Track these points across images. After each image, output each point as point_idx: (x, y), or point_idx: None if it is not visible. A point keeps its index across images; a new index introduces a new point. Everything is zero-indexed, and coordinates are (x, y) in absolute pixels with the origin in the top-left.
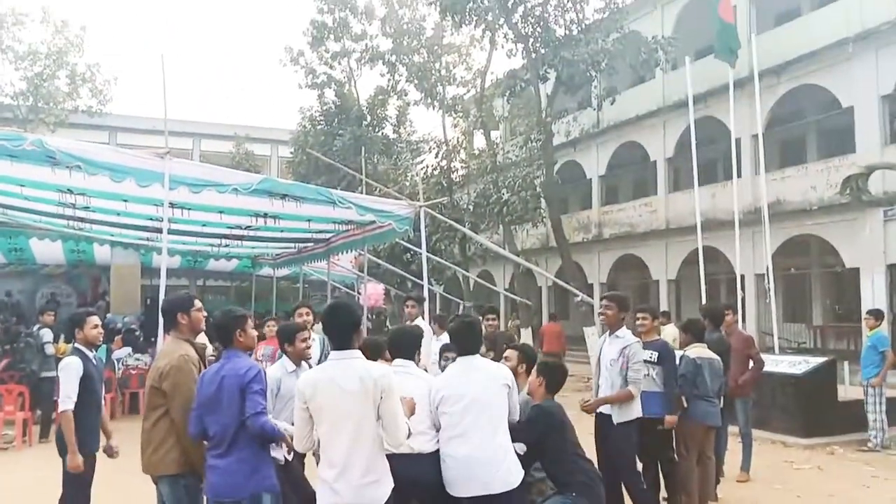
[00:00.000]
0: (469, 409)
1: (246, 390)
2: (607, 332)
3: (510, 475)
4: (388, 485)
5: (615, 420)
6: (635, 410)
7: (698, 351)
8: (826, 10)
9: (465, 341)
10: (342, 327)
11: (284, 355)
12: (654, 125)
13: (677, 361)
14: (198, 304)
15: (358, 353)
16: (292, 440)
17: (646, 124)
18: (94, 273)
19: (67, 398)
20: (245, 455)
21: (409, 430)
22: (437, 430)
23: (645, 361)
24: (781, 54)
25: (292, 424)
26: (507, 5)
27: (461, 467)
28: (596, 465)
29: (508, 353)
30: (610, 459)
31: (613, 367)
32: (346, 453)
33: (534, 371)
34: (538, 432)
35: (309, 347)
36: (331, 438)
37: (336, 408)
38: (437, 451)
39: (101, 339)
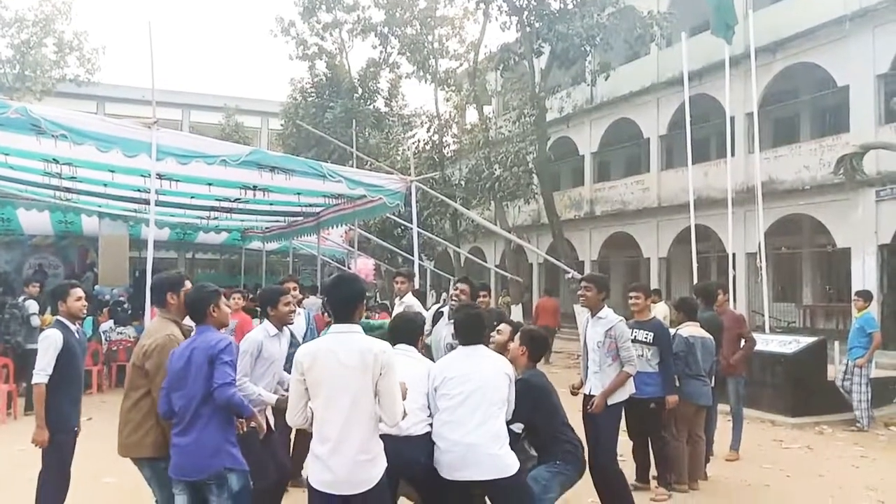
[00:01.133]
0: (472, 393)
1: (215, 360)
2: (588, 314)
3: (505, 463)
4: (382, 464)
5: (610, 402)
6: (626, 390)
7: (691, 329)
8: None
9: (471, 332)
10: (346, 300)
11: (266, 319)
12: (647, 102)
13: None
14: (188, 284)
15: (358, 327)
16: (270, 408)
17: (639, 101)
18: (82, 244)
19: (41, 371)
20: (208, 432)
21: (405, 411)
22: (430, 414)
23: (640, 342)
24: (777, 32)
25: (275, 393)
26: None
27: (456, 451)
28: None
29: (501, 327)
30: (594, 437)
31: (601, 349)
32: (341, 429)
33: (516, 339)
34: (529, 407)
35: (293, 311)
36: (326, 412)
37: (334, 381)
38: (428, 433)
39: (85, 311)
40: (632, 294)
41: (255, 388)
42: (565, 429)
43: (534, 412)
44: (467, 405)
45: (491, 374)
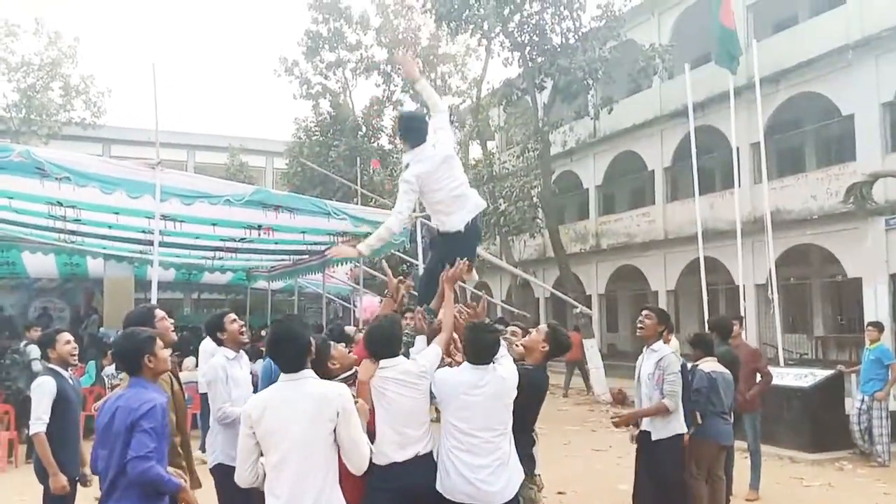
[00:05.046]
0: (479, 418)
1: (134, 427)
2: (645, 347)
3: (512, 485)
4: None
5: (653, 437)
6: (675, 426)
7: (711, 365)
8: (825, 17)
9: (482, 352)
10: (291, 353)
11: (221, 346)
12: (651, 134)
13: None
14: (159, 313)
15: (310, 372)
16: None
17: (643, 133)
18: (87, 286)
19: (38, 420)
20: None
21: (371, 449)
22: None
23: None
24: (780, 62)
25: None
26: (504, 13)
27: (467, 478)
28: (633, 486)
29: (540, 327)
30: (651, 479)
31: (650, 381)
32: (293, 483)
33: (541, 331)
34: (520, 397)
35: (242, 327)
36: (279, 468)
37: (287, 432)
38: (431, 452)
39: (76, 353)
40: (643, 313)
41: (238, 409)
42: (534, 435)
43: (524, 407)
44: (477, 429)
45: (501, 396)
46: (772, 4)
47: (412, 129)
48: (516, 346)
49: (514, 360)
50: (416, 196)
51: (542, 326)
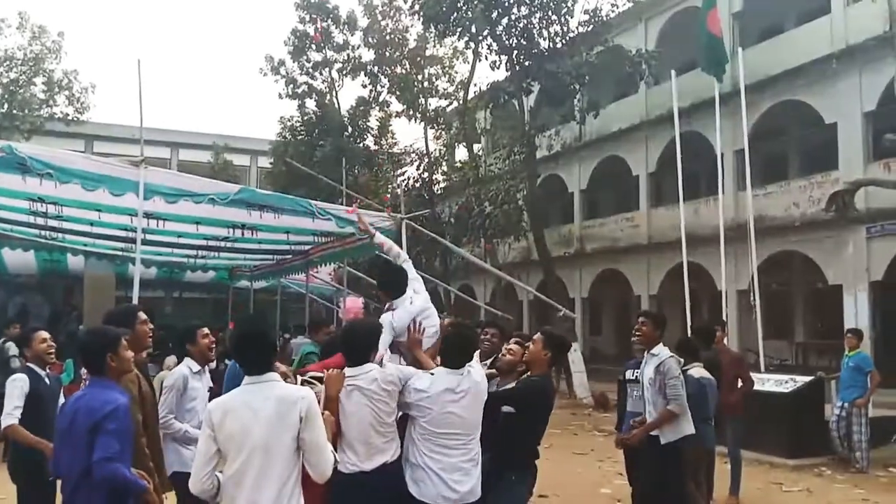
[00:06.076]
0: (456, 422)
1: (97, 429)
2: (645, 352)
3: (480, 484)
4: None
5: (663, 440)
6: (684, 428)
7: (700, 371)
8: (810, 27)
9: (463, 351)
10: (255, 354)
11: (186, 356)
12: (636, 140)
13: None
14: (142, 316)
15: (276, 375)
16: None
17: (628, 139)
18: (67, 283)
19: (9, 415)
20: None
21: (336, 458)
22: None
23: (629, 381)
24: (765, 70)
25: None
26: (491, 17)
27: (444, 480)
28: (633, 492)
29: (536, 337)
30: (657, 483)
31: (652, 387)
32: (253, 491)
33: (539, 340)
34: (531, 410)
35: (212, 345)
36: (240, 474)
37: (249, 437)
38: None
39: (53, 351)
40: (639, 320)
41: (182, 425)
42: (537, 448)
43: (533, 418)
44: (450, 433)
45: (474, 402)
46: (757, 13)
47: (392, 283)
48: (504, 355)
49: (518, 372)
50: (394, 335)
51: (537, 336)
